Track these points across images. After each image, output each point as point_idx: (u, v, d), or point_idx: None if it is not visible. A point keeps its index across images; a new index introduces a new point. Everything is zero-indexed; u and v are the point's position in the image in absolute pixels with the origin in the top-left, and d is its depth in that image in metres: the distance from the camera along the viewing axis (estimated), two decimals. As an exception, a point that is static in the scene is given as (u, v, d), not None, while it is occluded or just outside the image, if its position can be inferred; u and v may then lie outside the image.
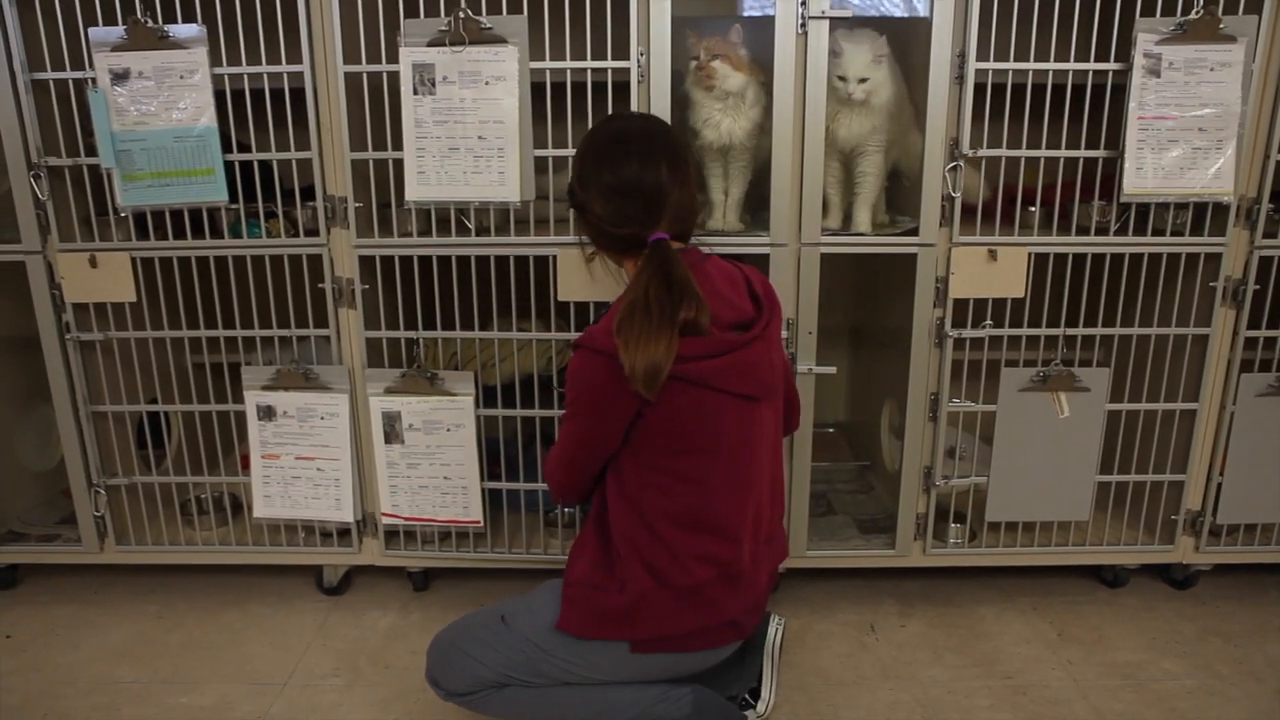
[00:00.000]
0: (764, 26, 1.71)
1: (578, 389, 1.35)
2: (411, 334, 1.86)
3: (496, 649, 1.43)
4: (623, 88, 1.70)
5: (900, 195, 1.93)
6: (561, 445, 1.43)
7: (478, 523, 1.91)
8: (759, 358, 1.37)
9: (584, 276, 1.76)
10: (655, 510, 1.37)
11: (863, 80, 1.69)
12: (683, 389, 1.30)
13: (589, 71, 1.71)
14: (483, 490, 1.90)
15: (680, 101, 1.73)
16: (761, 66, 1.75)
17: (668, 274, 1.31)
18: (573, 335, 1.84)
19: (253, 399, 1.88)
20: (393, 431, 1.87)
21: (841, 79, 1.70)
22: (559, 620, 1.40)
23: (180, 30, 1.69)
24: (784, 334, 1.78)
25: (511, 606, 1.48)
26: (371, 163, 1.79)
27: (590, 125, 1.70)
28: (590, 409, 1.35)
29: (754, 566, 1.44)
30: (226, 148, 1.75)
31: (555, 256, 1.78)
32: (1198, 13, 1.65)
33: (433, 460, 1.88)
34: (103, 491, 1.96)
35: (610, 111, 1.70)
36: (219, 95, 1.73)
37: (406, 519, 1.94)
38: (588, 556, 1.44)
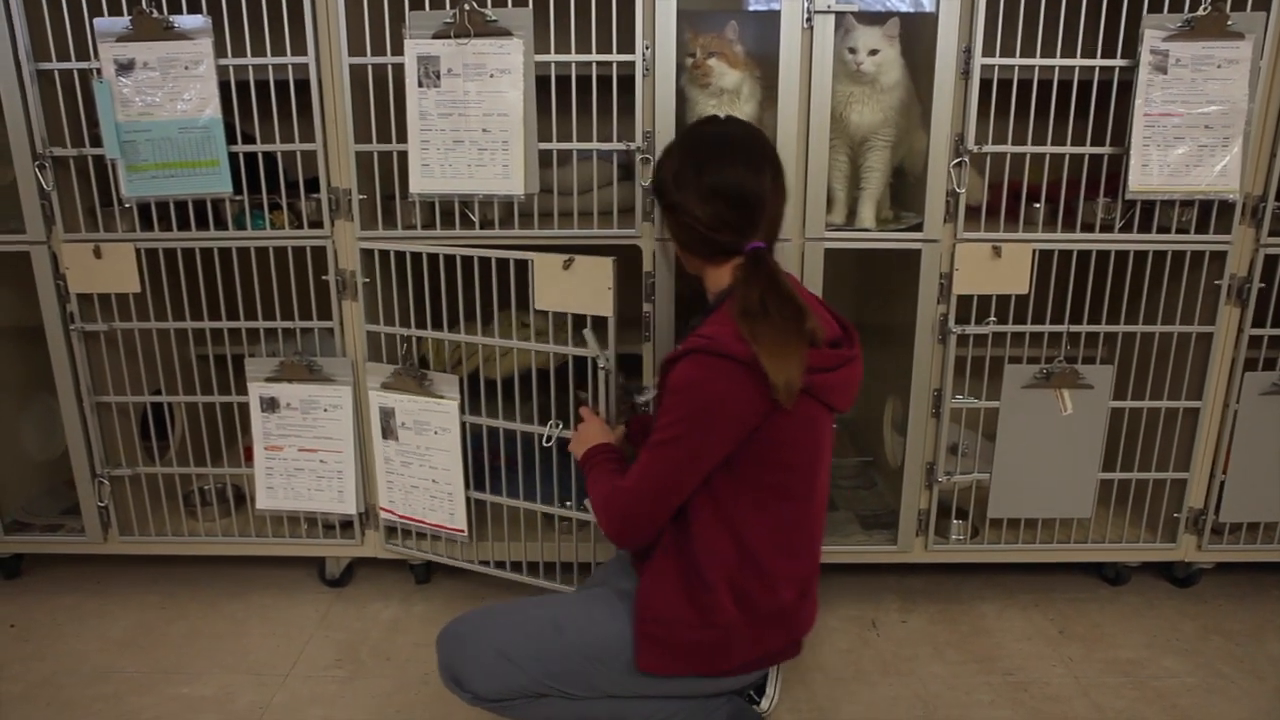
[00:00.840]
0: (768, 21, 1.71)
1: (701, 399, 1.25)
2: (404, 330, 1.85)
3: (546, 659, 1.35)
4: (628, 81, 1.70)
5: (905, 191, 1.93)
6: (651, 472, 1.30)
7: (462, 531, 1.89)
8: (856, 374, 1.37)
9: (562, 284, 1.69)
10: (752, 531, 1.32)
11: (874, 52, 1.68)
12: (803, 401, 1.27)
13: (594, 65, 1.70)
14: (468, 499, 1.87)
15: (676, 97, 1.72)
16: (760, 61, 1.74)
17: (778, 284, 1.30)
18: (552, 346, 1.78)
19: (256, 391, 1.89)
20: (388, 427, 1.87)
21: (852, 50, 1.68)
22: (637, 661, 1.34)
23: (185, 21, 1.69)
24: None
25: (565, 612, 1.41)
26: (376, 155, 1.79)
27: (594, 120, 1.71)
28: (713, 421, 1.25)
29: (816, 582, 1.45)
30: (231, 139, 1.75)
31: (532, 262, 1.69)
32: (1205, 9, 1.64)
33: (422, 461, 1.87)
34: (106, 482, 1.97)
35: (616, 103, 1.70)
36: (224, 86, 1.72)
37: (400, 517, 1.94)
38: (666, 590, 1.35)
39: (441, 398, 1.81)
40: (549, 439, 1.78)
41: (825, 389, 1.30)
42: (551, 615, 1.40)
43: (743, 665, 1.38)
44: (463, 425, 1.83)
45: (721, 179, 1.32)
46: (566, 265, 1.64)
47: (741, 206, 1.33)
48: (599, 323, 1.69)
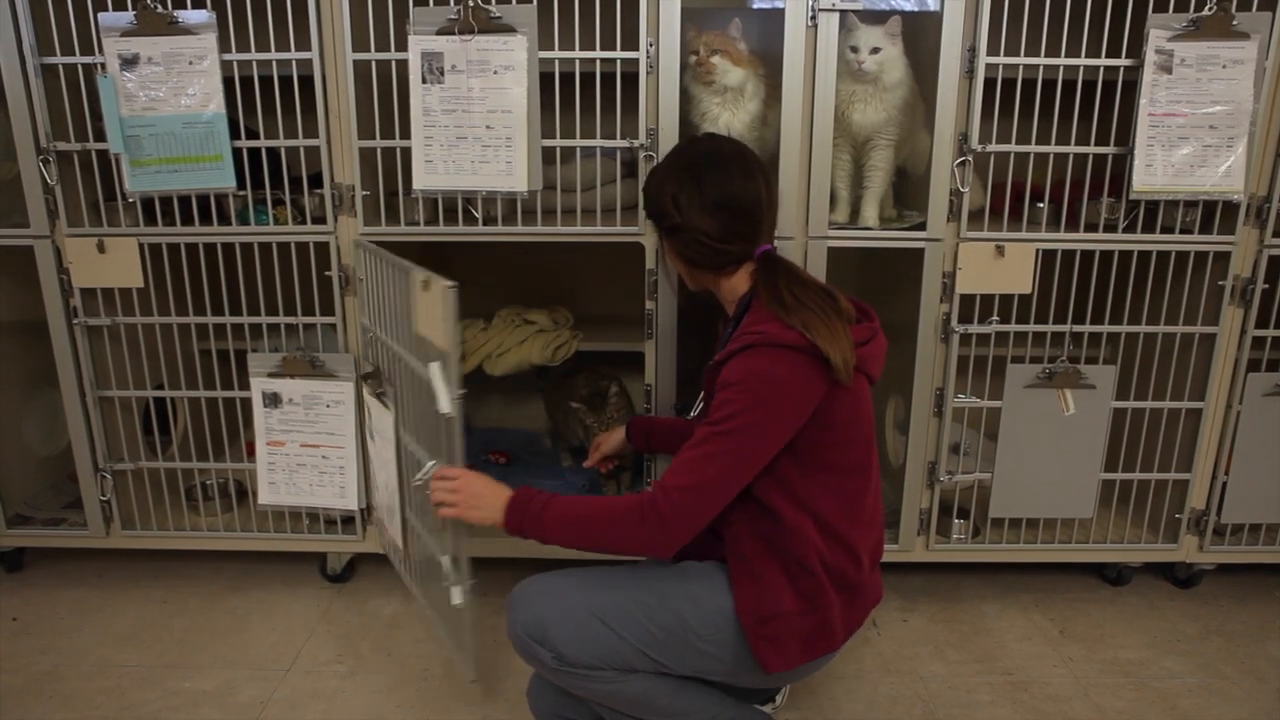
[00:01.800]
0: (772, 19, 1.71)
1: (764, 386, 1.25)
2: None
3: (649, 627, 1.33)
4: (631, 78, 1.70)
5: (908, 190, 1.92)
6: (715, 464, 1.26)
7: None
8: (884, 344, 1.40)
9: (424, 306, 1.41)
10: (829, 510, 1.34)
11: (875, 50, 1.68)
12: (854, 376, 1.30)
13: (598, 61, 1.70)
14: (403, 519, 1.72)
15: (680, 94, 1.72)
16: (763, 58, 1.74)
17: (799, 277, 1.35)
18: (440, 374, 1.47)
19: (259, 386, 1.89)
20: (370, 428, 1.85)
21: (853, 49, 1.68)
22: (764, 666, 1.33)
23: (190, 16, 1.69)
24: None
25: (664, 582, 1.38)
26: (379, 151, 1.79)
27: (598, 117, 1.71)
28: (776, 405, 1.26)
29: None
30: (235, 134, 1.75)
31: (413, 276, 1.44)
32: (1210, 9, 1.64)
33: (384, 468, 1.79)
34: (109, 476, 1.97)
35: (620, 100, 1.70)
36: (228, 81, 1.73)
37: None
38: (770, 589, 1.34)
39: (387, 408, 1.71)
40: (426, 473, 1.47)
41: (866, 360, 1.33)
42: (650, 584, 1.37)
43: (843, 640, 1.40)
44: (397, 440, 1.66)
45: (722, 192, 1.35)
46: (425, 286, 1.41)
47: (745, 215, 1.36)
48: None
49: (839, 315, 1.30)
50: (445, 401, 1.38)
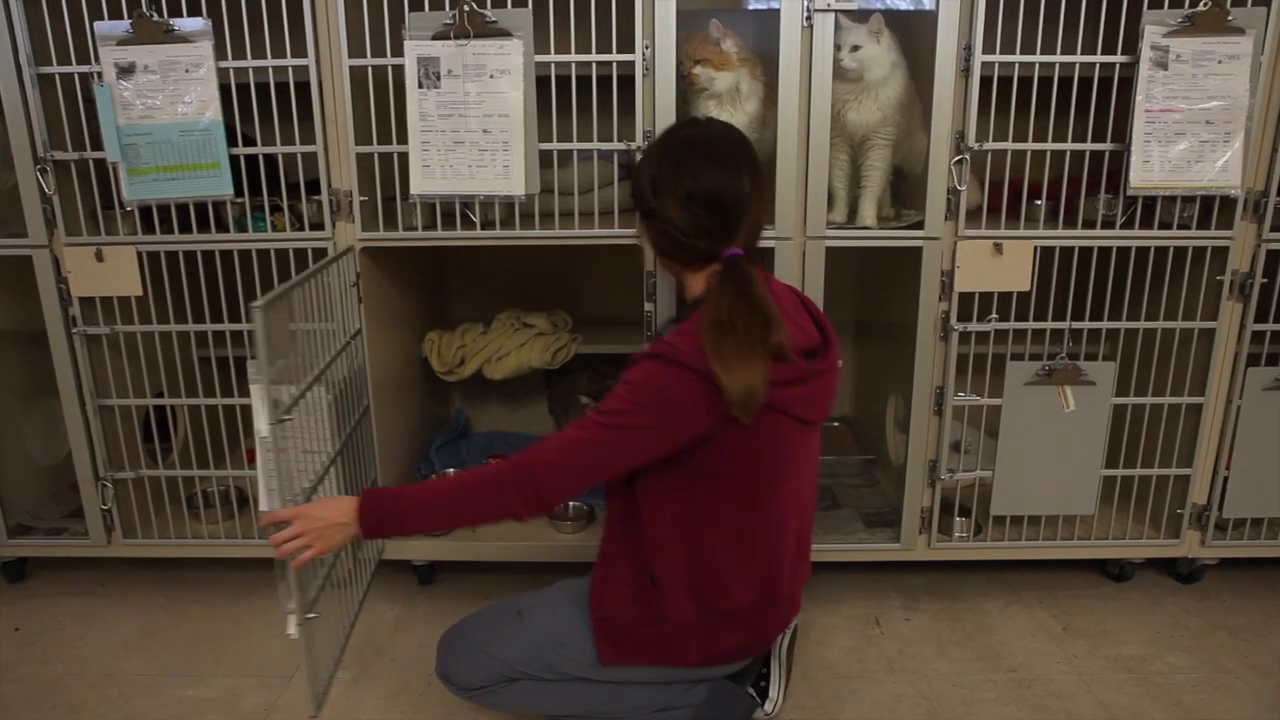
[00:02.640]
0: (769, 20, 1.71)
1: (648, 399, 1.25)
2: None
3: (511, 643, 1.43)
4: (628, 81, 1.70)
5: (906, 189, 1.92)
6: (583, 450, 1.28)
7: None
8: (829, 385, 1.35)
9: None
10: (709, 535, 1.33)
11: (855, 48, 1.67)
12: (765, 415, 1.26)
13: (594, 65, 1.70)
14: None
15: (677, 96, 1.72)
16: (761, 59, 1.74)
17: (749, 295, 1.26)
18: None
19: (258, 393, 1.88)
20: None
21: (837, 48, 1.68)
22: (599, 656, 1.39)
23: (185, 24, 1.69)
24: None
25: (527, 602, 1.48)
26: (376, 156, 1.79)
27: (595, 120, 1.71)
28: (658, 420, 1.25)
29: (792, 587, 1.46)
30: (232, 141, 1.75)
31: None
32: (1205, 5, 1.64)
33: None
34: (110, 485, 1.97)
35: (616, 103, 1.70)
36: (224, 89, 1.72)
37: None
38: (620, 591, 1.39)
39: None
40: (266, 528, 1.39)
41: (789, 402, 1.28)
42: (516, 604, 1.48)
43: (706, 659, 1.41)
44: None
45: (699, 184, 1.29)
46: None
47: (719, 212, 1.30)
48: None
49: (763, 349, 1.24)
50: (263, 423, 1.30)
